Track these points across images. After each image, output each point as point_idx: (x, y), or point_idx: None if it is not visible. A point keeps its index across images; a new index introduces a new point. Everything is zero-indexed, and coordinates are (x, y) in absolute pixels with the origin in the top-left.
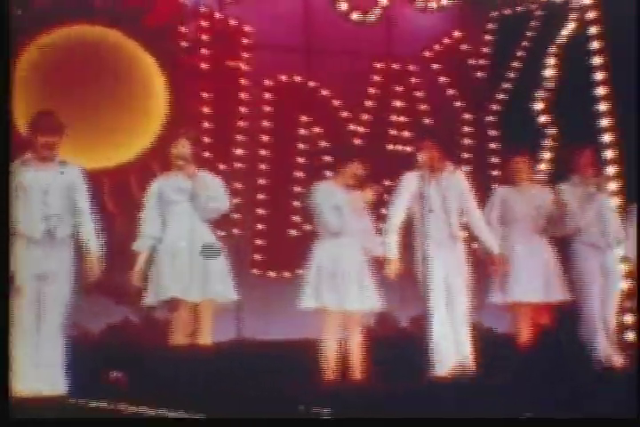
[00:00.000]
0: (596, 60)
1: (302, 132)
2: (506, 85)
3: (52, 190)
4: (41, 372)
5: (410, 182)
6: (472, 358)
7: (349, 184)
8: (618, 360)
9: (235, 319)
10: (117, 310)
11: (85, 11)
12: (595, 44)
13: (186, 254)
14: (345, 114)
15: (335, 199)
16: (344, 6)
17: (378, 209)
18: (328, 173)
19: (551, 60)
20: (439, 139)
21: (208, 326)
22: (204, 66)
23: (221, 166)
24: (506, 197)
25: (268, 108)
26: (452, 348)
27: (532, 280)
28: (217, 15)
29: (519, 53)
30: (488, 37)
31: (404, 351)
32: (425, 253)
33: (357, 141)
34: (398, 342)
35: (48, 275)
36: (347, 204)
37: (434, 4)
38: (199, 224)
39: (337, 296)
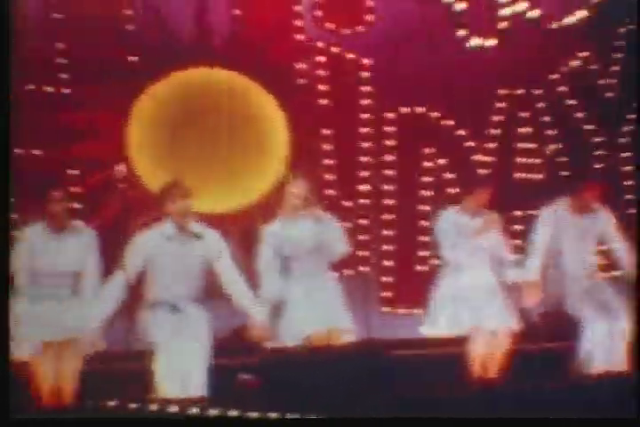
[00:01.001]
0: None
1: (426, 164)
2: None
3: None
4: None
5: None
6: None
7: (475, 211)
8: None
9: None
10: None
11: (204, 53)
12: None
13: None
14: (469, 144)
15: (460, 226)
16: (463, 32)
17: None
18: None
19: None
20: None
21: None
22: (322, 102)
23: (345, 203)
24: None
25: (390, 142)
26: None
27: None
28: (333, 49)
29: None
30: (617, 55)
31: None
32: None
33: (483, 171)
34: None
35: None
36: (472, 229)
37: (556, 25)
38: (322, 268)
39: (469, 319)
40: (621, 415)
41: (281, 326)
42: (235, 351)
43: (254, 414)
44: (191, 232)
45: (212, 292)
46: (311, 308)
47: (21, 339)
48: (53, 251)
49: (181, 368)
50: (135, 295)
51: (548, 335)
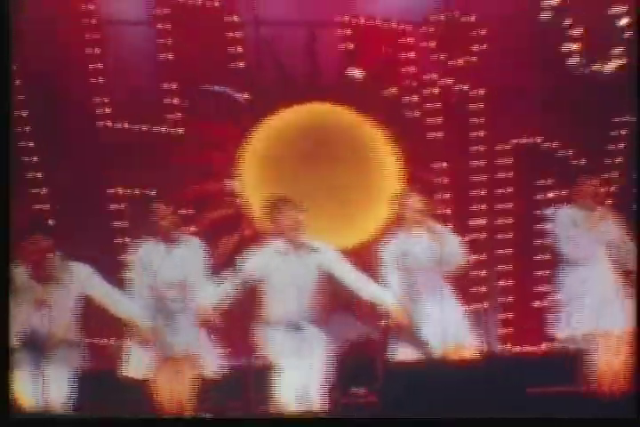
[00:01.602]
0: None
1: (540, 197)
2: None
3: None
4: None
5: None
6: None
7: (588, 206)
8: None
9: None
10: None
11: (314, 89)
12: None
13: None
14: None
15: (574, 219)
16: (576, 61)
17: None
18: None
19: None
20: None
21: None
22: (436, 135)
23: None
24: None
25: (506, 174)
26: None
27: None
28: (446, 81)
29: None
30: None
31: None
32: None
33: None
34: None
35: None
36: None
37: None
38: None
39: (589, 320)
40: (621, 415)
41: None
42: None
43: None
44: (306, 246)
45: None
46: (435, 323)
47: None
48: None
49: (300, 385)
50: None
51: None
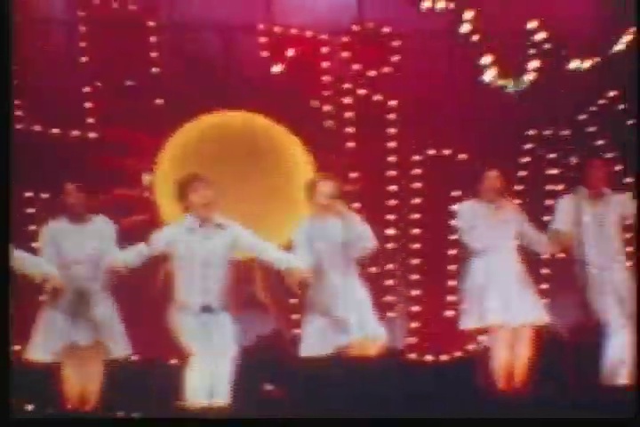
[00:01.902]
0: None
1: (454, 207)
2: None
3: (217, 257)
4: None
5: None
6: None
7: (490, 199)
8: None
9: None
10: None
11: (230, 96)
12: None
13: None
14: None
15: (478, 210)
16: (491, 74)
17: None
18: None
19: None
20: None
21: None
22: (349, 144)
23: None
24: None
25: (417, 185)
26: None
27: None
28: (361, 91)
29: None
30: None
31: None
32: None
33: None
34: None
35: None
36: (490, 218)
37: (584, 64)
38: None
39: (500, 312)
40: (621, 415)
41: (310, 333)
42: (262, 361)
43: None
44: (214, 223)
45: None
46: (345, 313)
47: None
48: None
49: (209, 376)
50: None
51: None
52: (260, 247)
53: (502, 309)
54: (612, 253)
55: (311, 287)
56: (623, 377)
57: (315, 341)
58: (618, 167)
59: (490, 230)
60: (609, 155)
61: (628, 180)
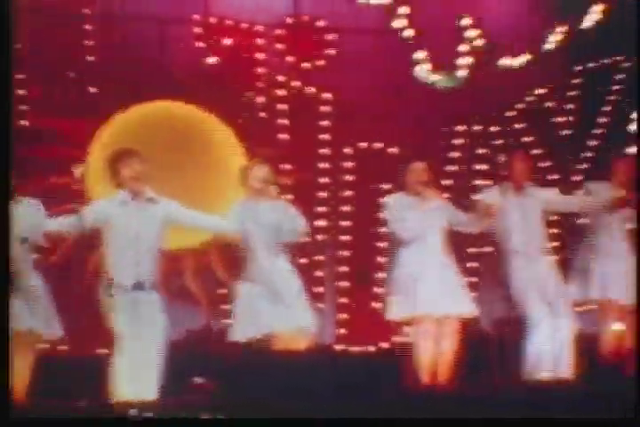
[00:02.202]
0: None
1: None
2: (593, 143)
3: (149, 232)
4: (139, 376)
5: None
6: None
7: (417, 191)
8: None
9: None
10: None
11: (164, 86)
12: None
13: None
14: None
15: (402, 206)
16: (424, 69)
17: None
18: None
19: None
20: None
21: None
22: (281, 136)
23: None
24: None
25: (348, 178)
26: (550, 353)
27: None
28: (295, 84)
29: (606, 108)
30: (573, 93)
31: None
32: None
33: None
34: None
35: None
36: (414, 209)
37: (515, 62)
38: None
39: (422, 304)
40: (621, 415)
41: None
42: (192, 354)
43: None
44: (146, 197)
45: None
46: (274, 301)
47: None
48: None
49: (137, 368)
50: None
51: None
52: (193, 216)
53: (430, 299)
54: (537, 245)
55: (242, 269)
56: (544, 372)
57: (243, 325)
58: (544, 164)
59: (418, 221)
60: (536, 151)
61: (554, 176)
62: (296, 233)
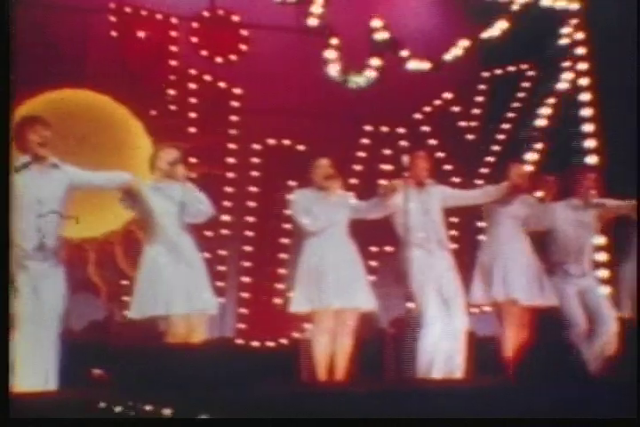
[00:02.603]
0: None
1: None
2: (496, 148)
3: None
4: (36, 368)
5: None
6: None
7: (322, 186)
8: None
9: None
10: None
11: (77, 75)
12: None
13: (172, 267)
14: None
15: (308, 200)
16: (335, 69)
17: None
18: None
19: (542, 122)
20: None
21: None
22: (191, 130)
23: (207, 233)
24: None
25: (255, 173)
26: (443, 353)
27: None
28: (206, 78)
29: (510, 115)
30: (479, 98)
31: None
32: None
33: None
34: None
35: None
36: (320, 202)
37: (424, 66)
38: (184, 235)
39: (327, 295)
40: (621, 415)
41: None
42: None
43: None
44: (50, 163)
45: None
46: (177, 277)
47: None
48: None
49: (34, 357)
50: None
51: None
52: (97, 176)
53: (331, 291)
54: (437, 240)
55: (146, 244)
56: (437, 371)
57: (142, 302)
58: (447, 167)
59: (322, 213)
60: (440, 154)
61: (457, 180)
62: (202, 214)
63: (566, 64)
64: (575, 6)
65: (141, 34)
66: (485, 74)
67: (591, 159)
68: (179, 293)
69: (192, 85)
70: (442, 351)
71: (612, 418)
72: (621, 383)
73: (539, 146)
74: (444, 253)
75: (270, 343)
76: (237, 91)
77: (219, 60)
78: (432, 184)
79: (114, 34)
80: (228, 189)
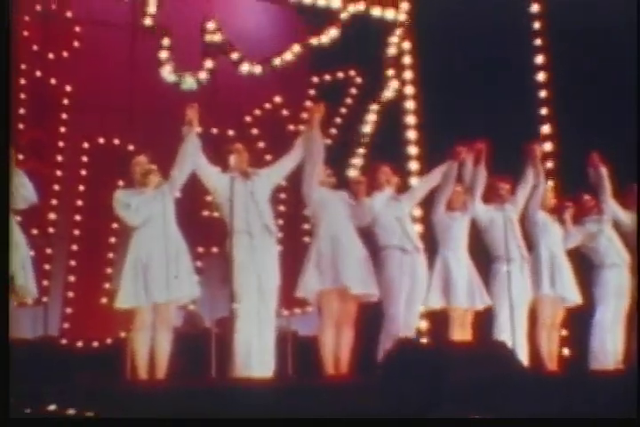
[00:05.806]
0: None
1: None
2: None
3: None
4: None
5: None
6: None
7: (141, 182)
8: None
9: None
10: None
11: None
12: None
13: None
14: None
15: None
16: (167, 70)
17: None
18: None
19: (367, 128)
20: None
21: None
22: (21, 126)
23: (34, 231)
24: None
25: (84, 172)
26: (257, 350)
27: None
28: (37, 73)
29: (337, 120)
30: (308, 103)
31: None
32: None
33: None
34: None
35: None
36: (138, 196)
37: (255, 69)
38: None
39: (151, 290)
40: (621, 415)
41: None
42: None
43: None
44: None
45: None
46: None
47: None
48: None
49: None
50: None
51: None
52: None
53: (155, 285)
54: (262, 224)
55: None
56: (254, 369)
57: None
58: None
59: (143, 206)
60: (267, 157)
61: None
62: (28, 203)
63: (392, 72)
64: (403, 17)
65: None
66: (315, 79)
67: (413, 166)
68: None
69: (22, 81)
70: (257, 350)
71: (612, 418)
72: (621, 383)
73: (362, 151)
74: (269, 239)
75: (95, 343)
76: (67, 88)
77: (50, 55)
78: (254, 171)
79: None
80: (56, 187)
